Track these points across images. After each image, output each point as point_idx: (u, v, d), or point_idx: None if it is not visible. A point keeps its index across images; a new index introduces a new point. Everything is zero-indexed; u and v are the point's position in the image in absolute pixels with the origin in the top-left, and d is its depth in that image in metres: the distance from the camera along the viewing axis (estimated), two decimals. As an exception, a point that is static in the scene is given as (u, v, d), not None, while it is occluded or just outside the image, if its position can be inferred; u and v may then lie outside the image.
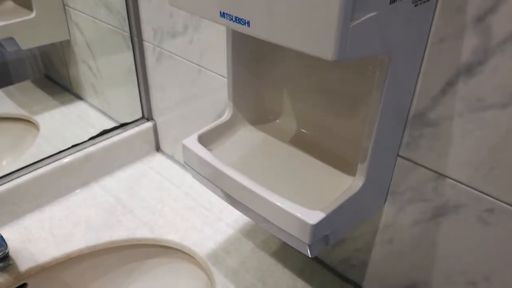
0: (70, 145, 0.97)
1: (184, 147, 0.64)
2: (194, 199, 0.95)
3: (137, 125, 1.05)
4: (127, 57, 1.00)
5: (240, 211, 0.61)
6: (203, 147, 0.64)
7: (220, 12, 0.46)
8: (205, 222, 0.90)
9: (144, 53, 0.98)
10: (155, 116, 1.06)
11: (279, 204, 0.53)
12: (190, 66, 0.87)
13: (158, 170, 1.04)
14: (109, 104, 1.16)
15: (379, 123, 0.52)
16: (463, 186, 0.55)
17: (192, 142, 0.64)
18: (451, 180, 0.56)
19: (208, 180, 0.63)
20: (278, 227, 0.55)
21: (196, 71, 0.87)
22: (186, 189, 0.98)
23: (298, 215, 0.52)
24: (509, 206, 0.52)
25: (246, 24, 0.44)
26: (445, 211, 0.59)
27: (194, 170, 0.65)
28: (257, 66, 0.69)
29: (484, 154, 0.52)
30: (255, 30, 0.44)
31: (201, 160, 0.62)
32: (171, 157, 1.09)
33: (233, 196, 0.60)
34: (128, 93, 1.07)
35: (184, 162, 0.66)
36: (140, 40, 0.96)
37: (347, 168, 0.64)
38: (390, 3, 0.41)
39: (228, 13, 0.46)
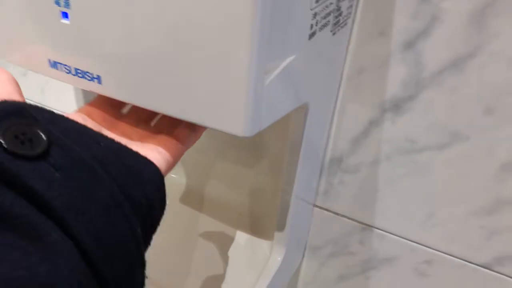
0: None
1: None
2: None
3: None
4: None
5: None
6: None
7: (50, 61, 0.29)
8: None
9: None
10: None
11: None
12: (28, 105, 0.66)
13: None
14: None
15: (299, 175, 0.40)
16: (395, 237, 0.46)
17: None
18: (380, 231, 0.47)
19: None
20: None
21: (38, 112, 0.65)
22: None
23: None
24: (450, 257, 0.44)
25: (96, 80, 0.28)
26: (376, 264, 0.49)
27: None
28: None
29: (419, 202, 0.43)
30: (111, 90, 0.28)
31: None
32: None
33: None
34: None
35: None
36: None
37: (253, 226, 0.51)
38: (309, 38, 0.29)
39: (63, 63, 0.28)
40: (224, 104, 0.24)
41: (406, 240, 0.46)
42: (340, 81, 0.40)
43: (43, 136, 0.21)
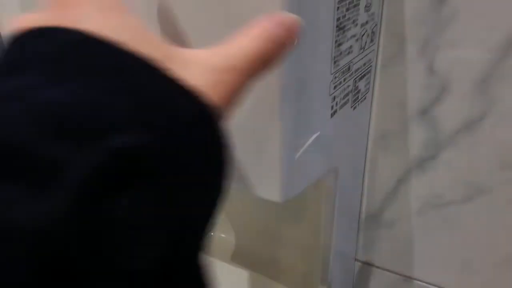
0: None
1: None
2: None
3: None
4: None
5: None
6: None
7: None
8: None
9: None
10: None
11: None
12: None
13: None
14: None
15: (336, 231, 0.44)
16: (434, 287, 0.49)
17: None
18: (420, 282, 0.50)
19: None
20: None
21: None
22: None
23: None
24: (490, 306, 0.46)
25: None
26: (420, 316, 0.51)
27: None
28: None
29: (453, 252, 0.46)
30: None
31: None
32: None
33: None
34: None
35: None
36: None
37: (298, 281, 0.55)
38: (331, 117, 0.34)
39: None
40: (263, 177, 0.30)
41: (445, 290, 0.48)
42: (366, 145, 0.45)
43: None
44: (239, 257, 0.59)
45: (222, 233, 0.63)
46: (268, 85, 0.27)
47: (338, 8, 0.30)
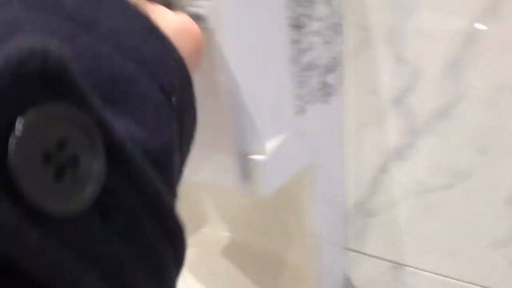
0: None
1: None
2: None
3: None
4: None
5: None
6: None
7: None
8: None
9: None
10: None
11: None
12: None
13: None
14: None
15: (322, 224, 0.44)
16: (425, 272, 0.49)
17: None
18: (411, 268, 0.50)
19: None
20: None
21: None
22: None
23: None
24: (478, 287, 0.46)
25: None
26: (413, 301, 0.52)
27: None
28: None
29: (442, 238, 0.46)
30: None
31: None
32: None
33: None
34: None
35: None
36: None
37: (293, 275, 0.55)
38: (299, 115, 0.34)
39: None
40: (243, 176, 0.31)
41: (435, 275, 0.48)
42: (345, 136, 0.45)
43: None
44: (229, 252, 0.60)
45: (209, 228, 0.64)
46: (215, 91, 0.27)
47: (288, 6, 0.29)
